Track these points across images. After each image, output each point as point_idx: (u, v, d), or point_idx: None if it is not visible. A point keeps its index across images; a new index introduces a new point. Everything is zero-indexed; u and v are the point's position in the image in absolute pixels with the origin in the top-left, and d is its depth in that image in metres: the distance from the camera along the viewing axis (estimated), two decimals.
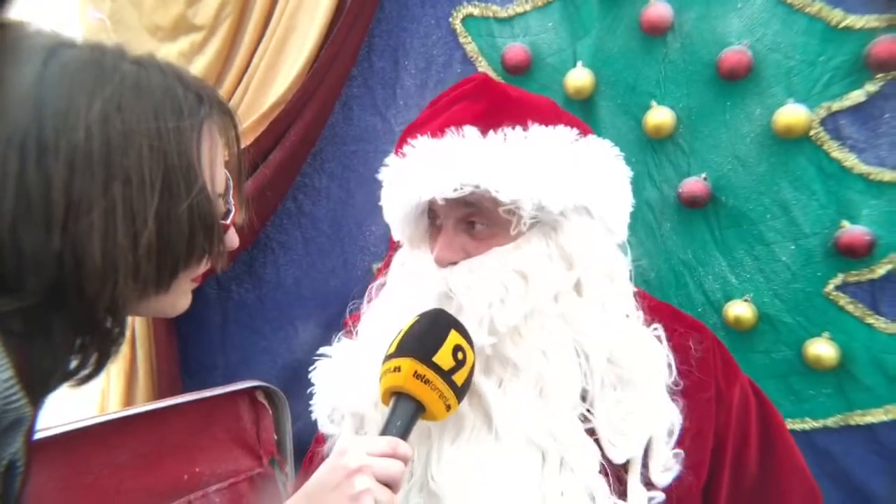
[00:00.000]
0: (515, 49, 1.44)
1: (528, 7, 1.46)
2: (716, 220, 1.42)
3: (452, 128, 0.82)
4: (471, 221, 0.84)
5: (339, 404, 0.88)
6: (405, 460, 0.70)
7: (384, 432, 0.72)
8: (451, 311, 0.81)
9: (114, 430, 1.57)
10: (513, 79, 1.47)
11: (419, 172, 0.82)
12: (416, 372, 0.75)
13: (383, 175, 0.91)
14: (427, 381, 0.74)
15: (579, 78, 1.41)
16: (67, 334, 0.63)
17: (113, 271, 0.60)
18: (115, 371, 1.88)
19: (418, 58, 1.52)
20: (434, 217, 0.88)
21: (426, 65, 1.51)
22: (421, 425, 0.78)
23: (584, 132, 0.88)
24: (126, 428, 1.61)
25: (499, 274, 0.81)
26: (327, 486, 0.67)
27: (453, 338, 0.76)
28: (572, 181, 0.82)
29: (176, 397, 1.74)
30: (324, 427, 0.90)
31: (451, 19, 1.50)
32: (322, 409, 0.90)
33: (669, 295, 1.49)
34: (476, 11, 1.49)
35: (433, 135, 0.84)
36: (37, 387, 0.62)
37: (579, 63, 1.43)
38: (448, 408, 0.75)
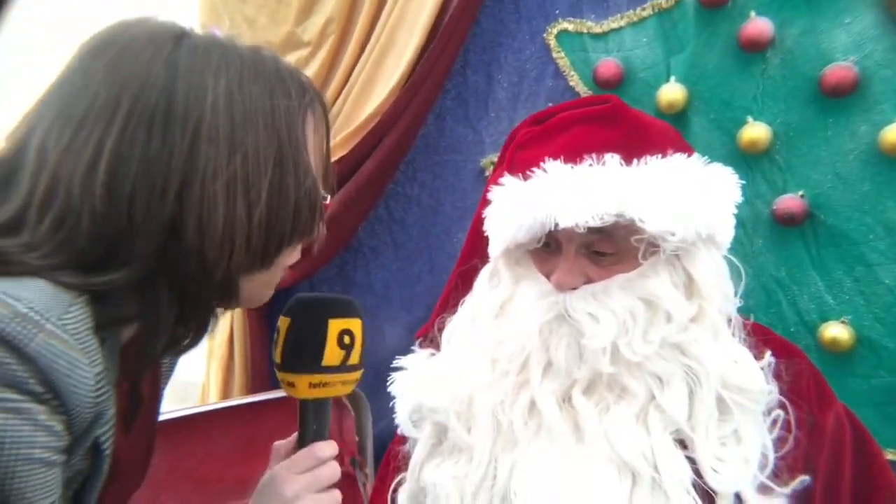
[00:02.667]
0: (607, 64, 1.46)
1: (622, 23, 1.47)
2: (813, 239, 1.37)
3: (593, 154, 0.80)
4: (594, 248, 0.83)
5: (420, 409, 0.88)
6: (332, 457, 0.73)
7: (301, 441, 0.75)
8: (569, 335, 0.80)
9: (214, 421, 1.68)
10: (603, 92, 1.49)
11: (556, 198, 0.79)
12: (310, 383, 0.74)
13: (497, 194, 0.88)
14: (325, 385, 0.74)
15: (672, 92, 1.41)
16: (173, 306, 0.64)
17: (231, 240, 0.63)
18: (214, 366, 2.01)
19: (511, 72, 1.56)
20: (551, 238, 0.85)
21: (518, 79, 1.55)
22: (508, 435, 0.80)
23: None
24: (225, 420, 1.71)
25: (624, 301, 0.80)
26: None
27: (333, 328, 0.74)
28: (707, 210, 0.81)
29: (269, 393, 1.85)
30: (405, 429, 0.91)
31: (545, 35, 1.53)
32: (404, 412, 0.90)
33: (759, 312, 1.45)
34: (570, 27, 1.51)
35: (567, 159, 0.81)
36: (143, 357, 0.66)
37: (672, 78, 1.43)
38: (354, 381, 0.77)
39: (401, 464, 0.93)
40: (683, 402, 0.79)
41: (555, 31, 1.52)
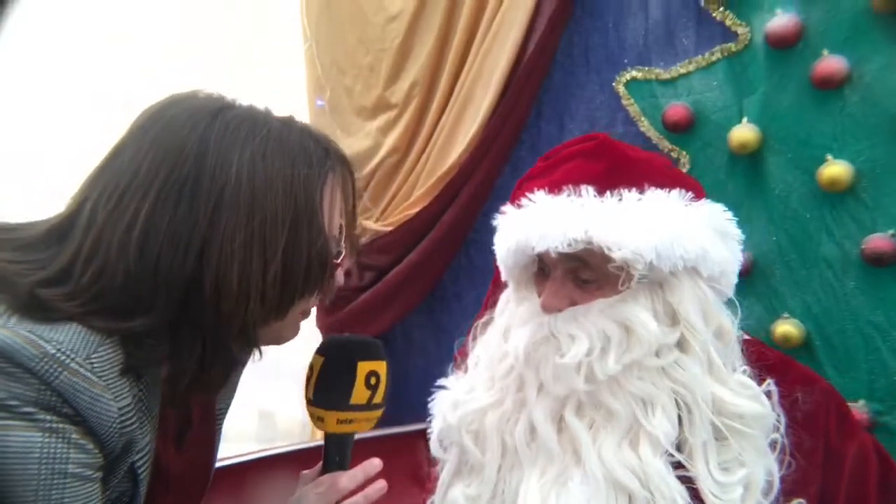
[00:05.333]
0: (676, 108, 1.47)
1: (691, 68, 1.49)
2: None
3: (570, 185, 0.86)
4: (578, 274, 0.87)
5: (443, 432, 0.95)
6: (349, 489, 0.80)
7: (325, 469, 0.82)
8: (553, 353, 0.84)
9: (305, 460, 1.79)
10: (674, 136, 1.50)
11: (534, 225, 0.85)
12: (338, 420, 0.80)
13: (498, 221, 0.96)
14: (351, 421, 0.80)
15: (744, 133, 1.40)
16: (195, 350, 0.71)
17: (245, 295, 0.69)
18: None
19: (582, 121, 1.61)
20: (543, 264, 0.92)
21: (589, 127, 1.60)
22: (513, 456, 0.85)
23: (698, 195, 0.90)
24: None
25: (601, 324, 0.84)
26: None
27: (361, 370, 0.80)
28: (682, 243, 0.83)
29: (374, 431, 1.95)
30: (434, 452, 0.97)
31: (614, 84, 1.58)
32: (434, 436, 0.96)
33: (858, 359, 1.37)
34: (639, 75, 1.55)
35: (550, 190, 0.87)
36: (175, 394, 0.74)
37: (744, 119, 1.42)
38: (376, 419, 0.82)
39: (433, 485, 0.98)
40: (669, 426, 0.81)
41: (624, 79, 1.56)
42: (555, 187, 0.88)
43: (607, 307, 0.85)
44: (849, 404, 1.30)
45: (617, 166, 0.89)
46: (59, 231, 0.72)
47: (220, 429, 0.94)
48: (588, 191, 0.86)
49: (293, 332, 0.82)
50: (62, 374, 0.64)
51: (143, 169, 0.69)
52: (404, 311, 1.89)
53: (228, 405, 0.95)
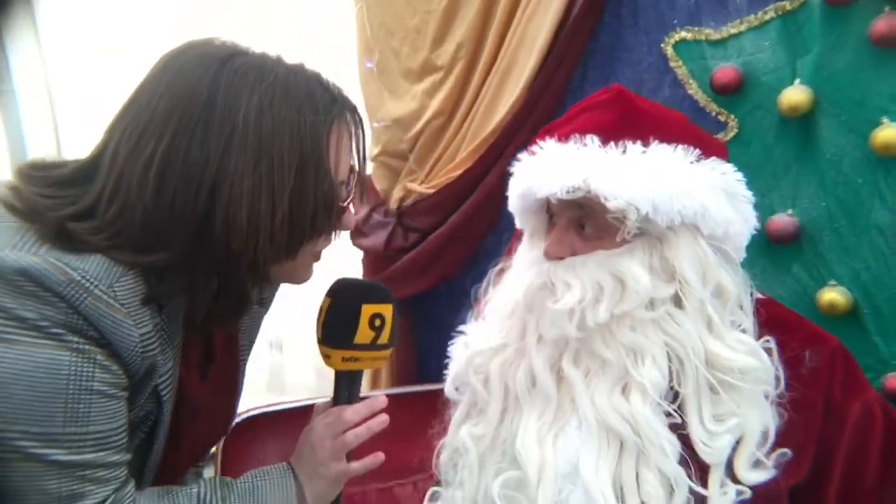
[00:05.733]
0: (725, 69, 1.44)
1: (742, 28, 1.44)
2: None
3: (577, 135, 0.89)
4: (582, 223, 0.91)
5: (458, 378, 1.00)
6: (354, 422, 0.87)
7: (335, 403, 0.88)
8: (548, 298, 0.88)
9: None
10: (722, 99, 1.47)
11: (541, 172, 0.90)
12: (343, 358, 0.86)
13: (514, 168, 1.00)
14: (356, 360, 0.86)
15: (794, 95, 1.35)
16: (210, 285, 0.78)
17: (255, 235, 0.74)
18: None
19: (629, 84, 1.57)
20: (551, 213, 0.95)
21: (636, 90, 1.55)
22: (514, 400, 0.89)
23: (709, 154, 0.90)
24: None
25: (596, 274, 0.87)
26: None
27: (365, 312, 0.84)
28: (681, 198, 0.85)
29: (413, 386, 2.02)
30: (448, 394, 1.03)
31: (662, 45, 1.54)
32: (449, 379, 1.02)
33: None
34: (689, 36, 1.51)
35: (560, 138, 0.92)
36: (193, 325, 0.80)
37: (797, 80, 1.37)
38: (384, 358, 0.88)
39: (445, 426, 1.04)
40: (658, 376, 0.84)
41: (672, 40, 1.53)
42: (564, 136, 0.91)
43: (604, 259, 0.88)
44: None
45: (627, 118, 0.92)
46: (87, 170, 0.78)
47: (245, 364, 1.01)
48: (593, 140, 0.88)
49: (305, 273, 0.87)
50: (87, 299, 0.70)
51: (159, 112, 0.74)
52: (447, 271, 1.92)
53: (252, 342, 1.02)
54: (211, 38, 0.80)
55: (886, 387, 1.31)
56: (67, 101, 2.63)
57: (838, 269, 1.38)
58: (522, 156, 0.98)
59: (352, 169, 0.84)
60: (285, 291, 1.01)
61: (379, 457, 0.90)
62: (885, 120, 1.29)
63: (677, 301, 0.87)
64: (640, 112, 0.94)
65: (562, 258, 0.91)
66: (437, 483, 1.05)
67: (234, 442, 1.74)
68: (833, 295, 1.37)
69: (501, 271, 1.04)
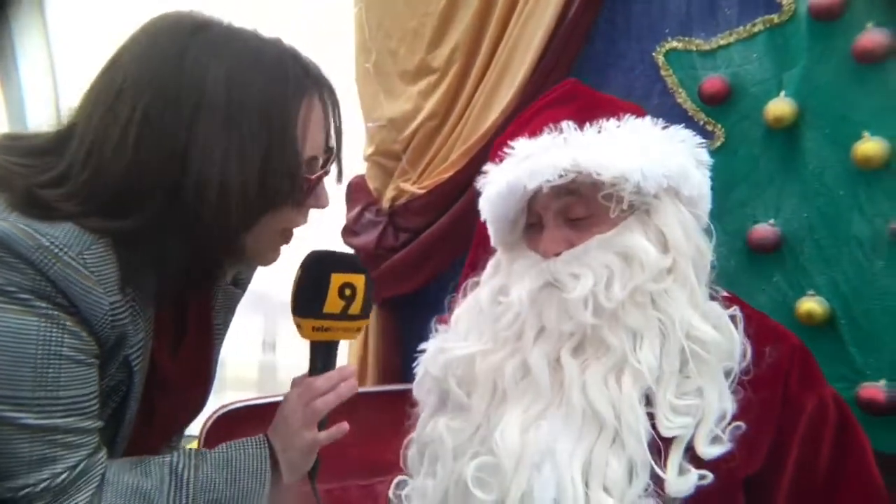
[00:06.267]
0: (713, 80, 1.46)
1: (731, 39, 1.47)
2: None
3: (550, 125, 0.90)
4: (570, 214, 0.91)
5: (426, 378, 1.00)
6: (324, 390, 0.86)
7: (310, 374, 0.88)
8: (554, 297, 0.87)
9: (348, 405, 1.88)
10: (710, 109, 1.49)
11: (522, 166, 0.89)
12: (313, 327, 0.85)
13: (480, 183, 0.99)
14: (327, 329, 0.86)
15: (780, 107, 1.38)
16: (183, 255, 0.78)
17: (225, 202, 0.75)
18: (352, 359, 2.24)
19: (618, 91, 1.61)
20: (533, 217, 0.95)
21: (625, 96, 1.59)
22: (498, 395, 0.90)
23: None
24: (356, 405, 1.91)
25: (602, 258, 0.87)
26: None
27: (335, 281, 0.84)
28: (664, 162, 0.87)
29: (396, 385, 2.02)
30: (417, 394, 1.04)
31: (654, 53, 1.57)
32: (417, 380, 1.03)
33: (883, 339, 1.35)
34: (679, 45, 1.54)
35: (531, 136, 0.92)
36: (164, 294, 0.80)
37: (782, 93, 1.40)
38: (358, 329, 0.87)
39: (413, 423, 1.04)
40: (653, 360, 0.85)
41: (664, 49, 1.55)
42: (534, 133, 0.92)
43: (605, 241, 0.89)
44: (871, 384, 1.31)
45: (590, 103, 0.94)
46: (62, 137, 0.79)
47: (220, 344, 1.02)
48: (569, 125, 0.90)
49: (272, 252, 0.87)
50: (55, 265, 0.70)
51: (131, 79, 0.75)
52: (436, 271, 1.94)
53: (227, 323, 1.02)
54: (187, 10, 0.81)
55: (860, 396, 1.33)
56: (71, 83, 2.65)
57: (817, 280, 1.41)
58: (488, 167, 0.98)
59: (327, 147, 0.85)
60: (280, 291, 1.01)
61: (343, 426, 0.90)
62: (866, 134, 1.32)
63: (671, 271, 0.89)
64: (599, 98, 0.97)
65: (558, 254, 0.90)
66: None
67: (216, 433, 1.75)
68: (811, 305, 1.39)
69: (473, 286, 1.04)
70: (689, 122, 1.51)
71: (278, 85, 0.78)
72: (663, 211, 0.89)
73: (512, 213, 0.96)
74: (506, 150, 0.94)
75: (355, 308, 0.87)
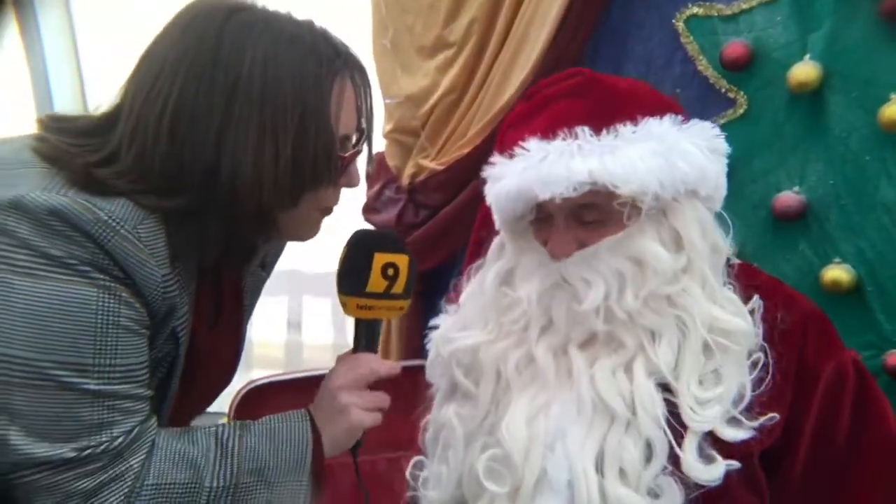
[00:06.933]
0: (735, 45, 1.43)
1: (754, 3, 1.43)
2: None
3: (564, 128, 0.86)
4: (583, 218, 0.89)
5: (436, 362, 1.01)
6: (370, 366, 0.86)
7: (355, 350, 0.90)
8: (566, 299, 0.87)
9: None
10: (732, 75, 1.47)
11: (535, 173, 0.86)
12: (357, 305, 0.88)
13: (488, 173, 0.97)
14: (370, 308, 0.88)
15: (804, 71, 1.35)
16: (220, 233, 0.81)
17: (259, 180, 0.77)
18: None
19: (638, 61, 1.59)
20: (542, 212, 0.92)
21: (646, 68, 1.57)
22: (503, 384, 0.90)
23: (683, 115, 0.91)
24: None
25: (613, 263, 0.86)
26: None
27: (378, 261, 0.86)
28: (682, 167, 0.85)
29: (422, 360, 2.05)
30: (430, 377, 1.04)
31: (674, 21, 1.54)
32: (428, 364, 1.04)
33: None
34: (700, 11, 1.51)
35: (544, 135, 0.88)
36: (204, 271, 0.83)
37: (806, 56, 1.37)
38: (401, 308, 0.89)
39: (428, 405, 1.05)
40: (671, 356, 0.84)
41: (684, 16, 1.52)
42: (548, 132, 0.88)
43: (616, 244, 0.87)
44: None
45: (606, 100, 0.90)
46: (108, 119, 0.82)
47: (247, 322, 1.06)
48: (584, 131, 0.86)
49: (312, 228, 0.90)
50: (113, 238, 0.74)
51: (169, 62, 0.78)
52: (457, 246, 1.94)
53: (254, 304, 1.06)
54: None
55: (888, 363, 1.32)
56: (95, 66, 2.68)
57: (843, 247, 1.39)
58: (497, 159, 0.95)
59: (358, 127, 0.87)
60: (305, 271, 1.02)
61: (385, 396, 0.91)
62: (893, 96, 1.29)
63: (686, 269, 0.87)
64: (616, 91, 0.93)
65: (569, 255, 0.88)
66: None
67: (245, 409, 1.79)
68: (837, 272, 1.37)
69: (479, 267, 1.03)
70: (711, 90, 1.49)
71: (312, 66, 0.80)
72: (680, 212, 0.88)
73: (520, 211, 0.93)
74: (516, 148, 0.90)
75: (398, 287, 0.88)
